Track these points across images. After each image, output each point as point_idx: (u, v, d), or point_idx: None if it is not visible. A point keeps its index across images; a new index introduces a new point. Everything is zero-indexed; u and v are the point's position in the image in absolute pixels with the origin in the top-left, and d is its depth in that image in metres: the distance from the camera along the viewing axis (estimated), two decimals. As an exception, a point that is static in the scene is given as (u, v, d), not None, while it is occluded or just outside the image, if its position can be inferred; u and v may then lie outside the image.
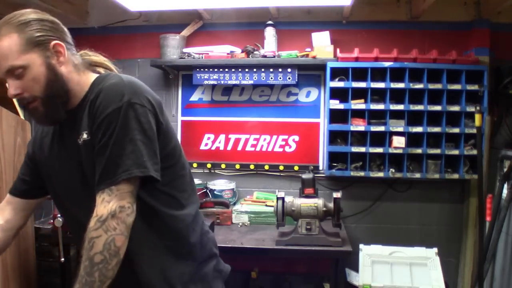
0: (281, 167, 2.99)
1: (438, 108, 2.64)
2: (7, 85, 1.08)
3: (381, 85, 2.67)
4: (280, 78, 2.83)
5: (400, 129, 2.66)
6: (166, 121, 1.16)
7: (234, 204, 2.91)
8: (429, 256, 2.36)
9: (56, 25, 1.13)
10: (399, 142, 2.64)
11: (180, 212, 1.19)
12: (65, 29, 1.16)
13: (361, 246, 2.43)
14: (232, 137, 3.04)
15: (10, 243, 1.31)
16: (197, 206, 1.30)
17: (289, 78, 2.82)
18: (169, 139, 1.16)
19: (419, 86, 2.64)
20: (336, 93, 2.72)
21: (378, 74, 2.70)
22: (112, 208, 1.00)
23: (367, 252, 2.40)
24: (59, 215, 2.25)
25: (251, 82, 2.86)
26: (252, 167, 3.00)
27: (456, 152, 2.65)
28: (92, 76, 1.19)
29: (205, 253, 1.26)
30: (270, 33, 2.81)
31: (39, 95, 1.08)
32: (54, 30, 1.11)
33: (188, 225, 1.21)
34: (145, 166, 1.04)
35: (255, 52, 2.84)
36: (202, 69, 2.87)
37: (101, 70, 1.27)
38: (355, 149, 2.69)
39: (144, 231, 1.12)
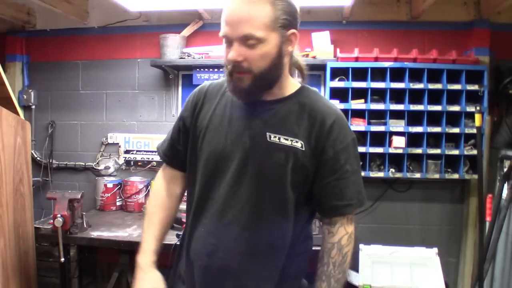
0: (281, 167, 2.98)
1: (438, 108, 2.64)
2: (231, 48, 1.08)
3: (381, 85, 2.66)
4: (280, 78, 2.82)
5: (400, 129, 2.66)
6: None
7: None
8: (429, 256, 2.36)
9: (298, 14, 1.12)
10: (399, 142, 2.64)
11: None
12: (299, 19, 1.14)
13: (361, 246, 2.42)
14: (232, 137, 3.04)
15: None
16: None
17: (289, 78, 2.81)
18: None
19: (419, 86, 2.64)
20: (336, 93, 2.72)
21: (378, 74, 2.70)
22: (353, 226, 1.19)
23: (367, 252, 2.40)
24: (59, 215, 2.25)
25: (251, 82, 2.85)
26: (252, 167, 3.00)
27: (456, 152, 2.64)
28: (294, 81, 1.21)
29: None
30: (270, 33, 2.80)
31: (256, 71, 1.07)
32: (295, 18, 1.11)
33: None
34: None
35: (255, 52, 2.84)
36: (202, 69, 2.87)
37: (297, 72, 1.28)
38: (355, 149, 2.68)
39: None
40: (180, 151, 1.29)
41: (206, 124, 1.21)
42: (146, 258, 1.21)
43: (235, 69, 1.08)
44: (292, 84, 1.19)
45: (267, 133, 1.12)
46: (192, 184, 1.24)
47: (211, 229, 1.16)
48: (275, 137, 1.12)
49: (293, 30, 1.10)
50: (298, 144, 1.11)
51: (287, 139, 1.11)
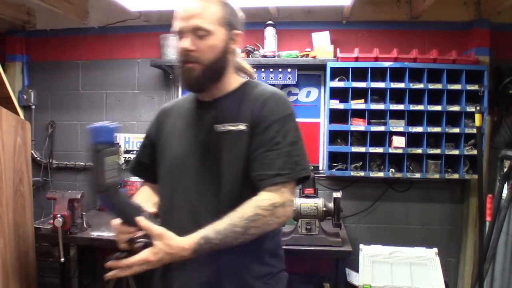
0: (281, 167, 2.98)
1: (438, 108, 2.64)
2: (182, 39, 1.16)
3: (381, 85, 2.67)
4: (280, 78, 2.83)
5: (400, 129, 2.66)
6: None
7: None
8: (429, 256, 2.36)
9: (242, 21, 1.27)
10: (399, 142, 2.64)
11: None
12: (242, 25, 1.28)
13: (361, 246, 2.43)
14: (232, 137, 3.04)
15: None
16: None
17: (289, 78, 2.82)
18: None
19: (419, 86, 2.64)
20: (336, 93, 2.72)
21: (378, 74, 2.70)
22: (285, 199, 1.12)
23: (367, 252, 2.40)
24: (59, 215, 2.25)
25: (251, 82, 2.86)
26: (252, 167, 3.00)
27: (456, 152, 2.65)
28: (238, 77, 1.31)
29: (282, 264, 1.33)
30: (270, 33, 2.81)
31: (205, 62, 1.16)
32: (239, 23, 1.25)
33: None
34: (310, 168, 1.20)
35: (255, 52, 2.84)
36: (202, 69, 2.87)
37: (242, 74, 1.38)
38: (355, 149, 2.69)
39: None
40: (146, 164, 1.39)
41: (166, 137, 1.31)
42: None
43: (186, 58, 1.16)
44: (236, 80, 1.28)
45: (215, 125, 1.20)
46: (160, 196, 1.32)
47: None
48: (223, 126, 1.19)
49: (237, 31, 1.22)
50: (243, 126, 1.18)
51: (232, 125, 1.18)
